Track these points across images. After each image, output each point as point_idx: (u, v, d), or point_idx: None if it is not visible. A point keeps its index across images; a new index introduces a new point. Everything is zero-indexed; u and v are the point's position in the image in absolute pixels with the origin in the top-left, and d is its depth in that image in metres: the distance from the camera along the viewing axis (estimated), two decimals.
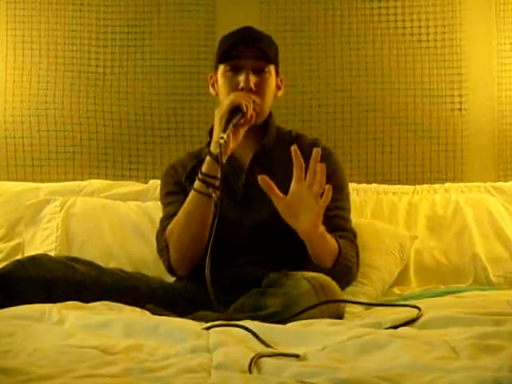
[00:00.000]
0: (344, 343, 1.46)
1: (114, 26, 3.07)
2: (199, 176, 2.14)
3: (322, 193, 1.96)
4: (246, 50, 2.22)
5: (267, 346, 1.50)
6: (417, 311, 1.75)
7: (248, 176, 2.26)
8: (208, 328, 1.63)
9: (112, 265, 2.44)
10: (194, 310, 1.99)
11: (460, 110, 3.05)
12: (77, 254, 2.45)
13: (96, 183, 2.89)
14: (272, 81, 2.28)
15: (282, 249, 2.18)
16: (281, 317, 1.77)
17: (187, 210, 2.16)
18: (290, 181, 2.02)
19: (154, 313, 1.95)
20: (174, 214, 2.21)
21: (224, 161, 2.10)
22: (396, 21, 3.07)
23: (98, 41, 3.07)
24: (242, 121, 2.14)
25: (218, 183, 2.09)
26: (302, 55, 3.08)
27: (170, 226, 2.20)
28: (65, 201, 2.74)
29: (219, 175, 2.08)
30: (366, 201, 2.78)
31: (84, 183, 2.89)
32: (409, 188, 2.87)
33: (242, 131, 2.17)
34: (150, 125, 3.06)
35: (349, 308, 2.07)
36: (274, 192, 1.99)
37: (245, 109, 2.13)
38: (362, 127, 3.06)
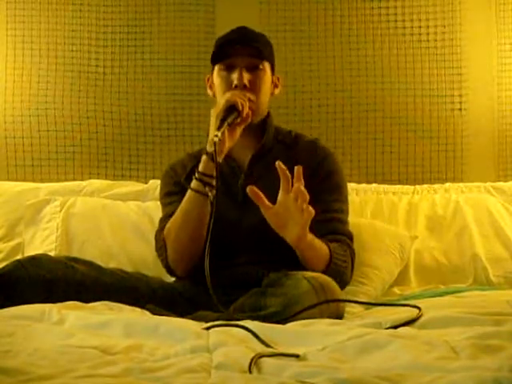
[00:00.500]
0: (344, 343, 1.46)
1: (114, 26, 3.07)
2: (196, 175, 2.15)
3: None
4: (239, 49, 2.23)
5: (267, 345, 1.50)
6: (417, 311, 1.75)
7: (247, 177, 2.26)
8: (208, 328, 1.63)
9: (112, 265, 2.44)
10: (194, 309, 1.99)
11: (460, 109, 3.05)
12: (77, 254, 2.45)
13: (96, 183, 2.89)
14: (267, 78, 2.28)
15: (282, 249, 2.17)
16: (281, 317, 1.77)
17: (184, 209, 2.17)
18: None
19: (154, 313, 1.95)
20: (172, 214, 2.21)
21: (220, 159, 2.10)
22: (396, 21, 3.07)
23: (97, 41, 3.07)
24: (238, 120, 2.14)
25: (214, 182, 2.09)
26: (301, 55, 3.08)
27: (167, 226, 2.20)
28: (65, 201, 2.73)
29: (215, 174, 2.08)
30: (366, 201, 2.78)
31: (84, 183, 2.89)
32: (409, 188, 2.87)
33: (239, 130, 2.17)
34: (150, 125, 3.06)
35: (349, 308, 2.07)
36: (262, 201, 1.99)
37: (240, 107, 2.13)
38: (362, 127, 3.06)
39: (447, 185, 2.89)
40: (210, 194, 2.09)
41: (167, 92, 3.06)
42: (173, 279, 2.29)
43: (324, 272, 2.06)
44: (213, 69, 2.29)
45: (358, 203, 2.75)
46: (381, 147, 3.05)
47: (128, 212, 2.71)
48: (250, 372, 1.29)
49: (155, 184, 2.76)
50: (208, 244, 1.99)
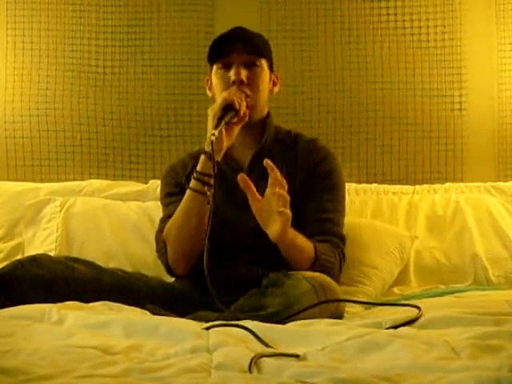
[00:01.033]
0: (344, 343, 1.46)
1: (114, 26, 3.07)
2: (194, 174, 2.15)
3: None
4: (236, 46, 2.23)
5: (267, 346, 1.50)
6: (417, 311, 1.75)
7: (247, 177, 2.26)
8: (208, 328, 1.63)
9: (112, 265, 2.44)
10: (194, 310, 1.99)
11: (460, 109, 3.05)
12: (77, 254, 2.45)
13: (96, 183, 2.89)
14: (265, 75, 2.28)
15: None
16: (281, 317, 1.77)
17: (184, 209, 2.17)
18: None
19: (153, 313, 1.95)
20: (172, 215, 2.21)
21: (218, 158, 2.11)
22: (396, 21, 3.07)
23: (97, 41, 3.07)
24: (235, 118, 2.15)
25: (212, 181, 2.09)
26: (302, 55, 3.08)
27: (167, 226, 2.20)
28: (65, 201, 2.74)
29: (213, 173, 2.08)
30: (366, 201, 2.78)
31: (84, 183, 2.89)
32: (409, 188, 2.87)
33: (236, 129, 2.18)
34: (150, 125, 3.06)
35: (349, 308, 2.07)
36: (251, 190, 2.01)
37: (237, 106, 2.13)
38: (362, 127, 3.06)
39: (447, 185, 2.89)
40: (208, 193, 2.10)
41: (167, 92, 3.06)
42: (173, 279, 2.29)
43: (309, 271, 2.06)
44: (211, 69, 2.30)
45: (358, 203, 2.75)
46: (381, 147, 3.05)
47: (128, 212, 2.71)
48: (250, 372, 1.29)
49: (155, 184, 2.76)
50: (207, 243, 1.99)
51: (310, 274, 1.96)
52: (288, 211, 1.97)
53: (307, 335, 1.57)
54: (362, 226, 2.53)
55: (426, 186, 2.90)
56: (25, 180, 2.99)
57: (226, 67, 2.24)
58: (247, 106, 2.18)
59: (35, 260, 2.06)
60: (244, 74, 2.21)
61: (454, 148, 3.05)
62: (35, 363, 1.29)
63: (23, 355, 1.37)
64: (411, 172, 3.05)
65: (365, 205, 2.76)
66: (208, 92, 2.35)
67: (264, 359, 1.34)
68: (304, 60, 3.08)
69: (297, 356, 1.40)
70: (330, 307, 1.89)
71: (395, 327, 1.66)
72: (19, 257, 2.55)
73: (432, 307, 1.85)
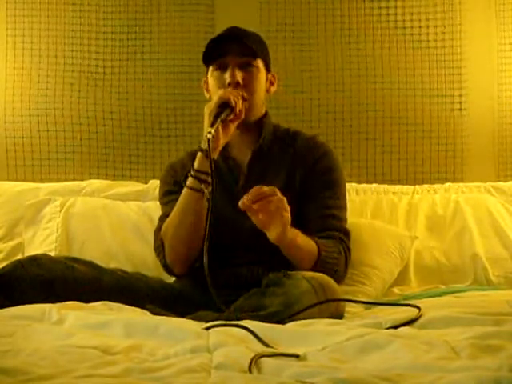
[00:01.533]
0: (344, 343, 1.46)
1: (114, 26, 3.07)
2: (191, 172, 2.15)
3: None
4: (231, 47, 2.23)
5: (267, 346, 1.50)
6: (417, 311, 1.75)
7: (247, 177, 2.26)
8: (208, 328, 1.63)
9: (112, 265, 2.44)
10: (194, 309, 1.99)
11: (460, 109, 3.05)
12: (77, 254, 2.45)
13: (96, 183, 2.89)
14: (261, 75, 2.28)
15: None
16: (281, 317, 1.77)
17: (181, 207, 2.17)
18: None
19: (154, 313, 1.95)
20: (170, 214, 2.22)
21: (215, 156, 2.12)
22: (396, 21, 3.07)
23: (97, 41, 3.07)
24: (231, 116, 2.15)
25: (209, 179, 2.09)
26: (302, 55, 3.08)
27: (165, 224, 2.21)
28: (65, 201, 2.73)
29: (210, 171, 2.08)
30: (366, 201, 2.78)
31: (84, 183, 2.89)
32: (409, 188, 2.87)
33: (233, 126, 2.18)
34: (150, 125, 3.06)
35: (349, 308, 2.07)
36: (254, 211, 1.99)
37: (233, 103, 2.13)
38: (362, 127, 3.06)
39: (447, 185, 2.89)
40: (205, 190, 2.10)
41: (167, 92, 3.06)
42: (173, 279, 2.29)
43: (312, 270, 2.06)
44: (207, 71, 2.30)
45: (358, 203, 2.75)
46: (381, 147, 3.05)
47: (128, 212, 2.71)
48: (250, 372, 1.29)
49: (155, 184, 2.76)
50: (206, 241, 1.99)
51: (309, 273, 1.96)
52: (286, 213, 1.97)
53: (307, 335, 1.57)
54: (362, 226, 2.52)
55: (426, 186, 2.89)
56: (25, 180, 2.98)
57: (222, 69, 2.24)
58: (243, 102, 2.17)
59: (35, 260, 2.06)
60: (239, 75, 2.21)
61: (454, 148, 3.05)
62: (35, 363, 1.29)
63: (23, 355, 1.37)
64: (411, 172, 3.05)
65: (365, 205, 2.76)
66: (206, 93, 2.35)
67: (264, 359, 1.34)
68: (304, 60, 3.08)
69: (297, 356, 1.40)
70: (330, 307, 1.89)
71: (395, 327, 1.66)
72: (19, 257, 2.55)
73: (432, 307, 1.85)
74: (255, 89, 2.25)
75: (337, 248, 2.18)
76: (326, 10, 3.08)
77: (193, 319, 1.85)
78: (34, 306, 1.81)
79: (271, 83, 2.35)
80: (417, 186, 2.88)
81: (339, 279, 2.20)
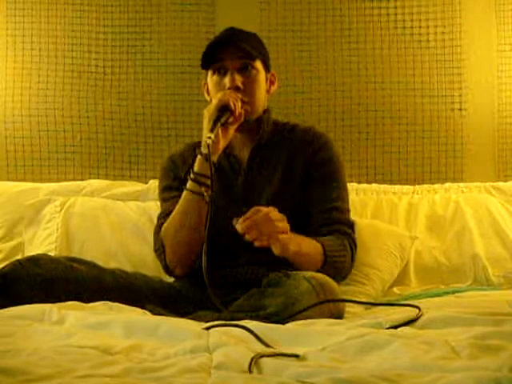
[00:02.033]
0: (344, 343, 1.46)
1: (113, 26, 3.07)
2: (191, 175, 2.15)
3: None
4: (228, 51, 2.22)
5: (267, 346, 1.50)
6: (417, 311, 1.75)
7: (247, 173, 2.26)
8: (208, 328, 1.63)
9: (112, 265, 2.43)
10: (194, 309, 1.99)
11: (460, 109, 3.05)
12: (77, 254, 2.45)
13: (96, 183, 2.89)
14: (261, 77, 2.28)
15: None
16: (281, 316, 1.77)
17: (181, 210, 2.17)
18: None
19: (154, 313, 1.95)
20: (171, 212, 2.21)
21: (215, 159, 2.12)
22: (396, 21, 3.07)
23: (97, 41, 3.07)
24: (231, 119, 2.15)
25: (209, 182, 2.09)
26: (301, 55, 3.08)
27: (165, 225, 2.20)
28: (65, 201, 2.73)
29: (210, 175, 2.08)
30: (366, 201, 2.78)
31: (84, 183, 2.89)
32: (409, 188, 2.87)
33: (232, 129, 2.18)
34: (150, 125, 3.06)
35: (349, 308, 2.07)
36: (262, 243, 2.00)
37: (233, 107, 2.13)
38: (362, 127, 3.06)
39: (447, 185, 2.89)
40: (205, 194, 2.10)
41: (167, 92, 3.06)
42: (172, 279, 2.29)
43: (320, 270, 2.07)
44: (206, 74, 2.30)
45: (358, 203, 2.75)
46: (381, 147, 3.05)
47: (128, 212, 2.71)
48: (250, 372, 1.29)
49: (155, 184, 2.75)
50: (205, 245, 1.99)
51: (309, 273, 1.95)
52: (282, 232, 1.98)
53: (307, 335, 1.56)
54: (362, 226, 2.52)
55: (425, 185, 2.90)
56: (25, 180, 2.99)
57: (221, 73, 2.23)
58: (243, 108, 2.17)
59: (35, 260, 2.06)
60: (239, 80, 2.21)
61: (454, 148, 3.05)
62: (35, 363, 1.29)
63: (23, 355, 1.37)
64: (411, 172, 3.05)
65: (365, 205, 2.76)
66: (206, 96, 2.34)
67: (264, 359, 1.34)
68: (304, 60, 3.08)
69: (297, 356, 1.40)
70: (331, 307, 1.89)
71: (395, 327, 1.65)
72: (19, 257, 2.54)
73: (432, 307, 1.85)
74: (255, 92, 2.25)
75: (342, 244, 2.18)
76: (326, 10, 3.08)
77: (193, 319, 1.85)
78: (33, 306, 1.80)
79: (271, 83, 2.35)
80: (417, 186, 2.88)
81: (346, 273, 2.21)
